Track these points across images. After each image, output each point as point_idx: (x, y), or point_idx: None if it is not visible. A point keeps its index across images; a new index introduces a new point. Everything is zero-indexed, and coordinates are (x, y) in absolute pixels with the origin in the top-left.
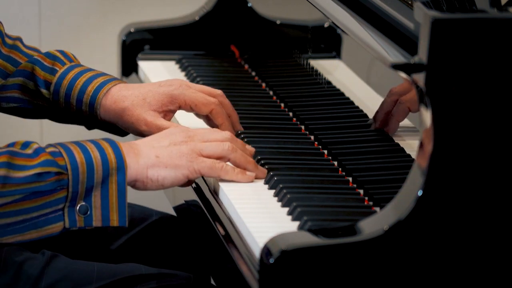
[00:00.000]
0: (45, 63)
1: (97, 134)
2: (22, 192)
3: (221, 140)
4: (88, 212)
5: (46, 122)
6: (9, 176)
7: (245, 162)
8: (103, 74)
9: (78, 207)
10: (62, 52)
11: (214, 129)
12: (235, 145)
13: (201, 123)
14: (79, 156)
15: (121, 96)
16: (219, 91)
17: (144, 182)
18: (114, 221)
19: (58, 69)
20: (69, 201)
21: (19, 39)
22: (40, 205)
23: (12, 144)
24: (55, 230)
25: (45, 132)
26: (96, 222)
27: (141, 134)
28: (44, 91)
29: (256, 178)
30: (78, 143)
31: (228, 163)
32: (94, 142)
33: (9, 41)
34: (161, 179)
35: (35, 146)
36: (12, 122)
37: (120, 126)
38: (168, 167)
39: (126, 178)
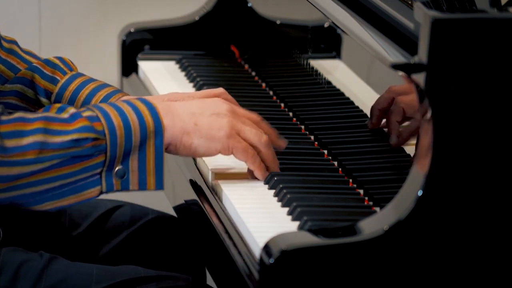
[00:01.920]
0: (45, 71)
1: None
2: (59, 157)
3: (261, 130)
4: (125, 176)
5: None
6: (46, 142)
7: (271, 161)
8: (106, 85)
9: (115, 171)
10: (61, 59)
11: (257, 117)
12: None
13: None
14: (116, 119)
15: None
16: (220, 90)
17: (176, 146)
18: (151, 184)
19: (59, 78)
20: (107, 165)
21: (14, 42)
22: (78, 170)
23: (48, 108)
24: (93, 194)
25: None
26: (133, 185)
27: None
28: (44, 100)
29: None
30: (114, 105)
31: None
32: (130, 104)
33: (6, 45)
34: (194, 147)
35: (71, 110)
36: None
37: None
38: (204, 137)
39: (164, 141)
